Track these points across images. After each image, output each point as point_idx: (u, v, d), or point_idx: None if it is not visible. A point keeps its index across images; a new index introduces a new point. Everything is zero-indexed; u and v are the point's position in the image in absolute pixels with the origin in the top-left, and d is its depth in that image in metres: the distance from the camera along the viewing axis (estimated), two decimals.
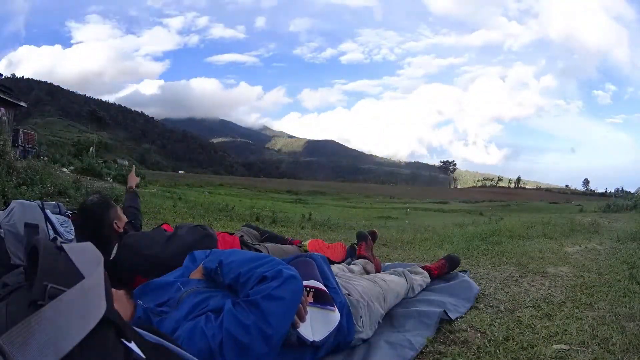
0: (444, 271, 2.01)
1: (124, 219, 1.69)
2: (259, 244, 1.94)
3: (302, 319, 1.00)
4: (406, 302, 1.62)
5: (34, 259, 0.52)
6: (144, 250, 1.53)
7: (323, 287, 1.18)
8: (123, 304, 0.96)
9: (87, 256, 0.54)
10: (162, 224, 1.93)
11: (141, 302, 0.99)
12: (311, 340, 1.03)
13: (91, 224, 1.59)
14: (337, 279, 1.35)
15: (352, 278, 1.54)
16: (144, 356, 0.55)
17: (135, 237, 1.61)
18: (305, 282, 1.10)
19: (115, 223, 1.63)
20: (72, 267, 0.51)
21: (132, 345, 0.55)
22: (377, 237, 2.48)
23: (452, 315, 1.47)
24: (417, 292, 1.74)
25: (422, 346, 1.23)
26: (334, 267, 1.62)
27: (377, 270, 2.00)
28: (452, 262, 2.06)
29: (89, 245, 0.57)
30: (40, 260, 0.48)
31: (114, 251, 1.53)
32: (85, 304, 0.45)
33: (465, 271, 2.14)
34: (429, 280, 1.89)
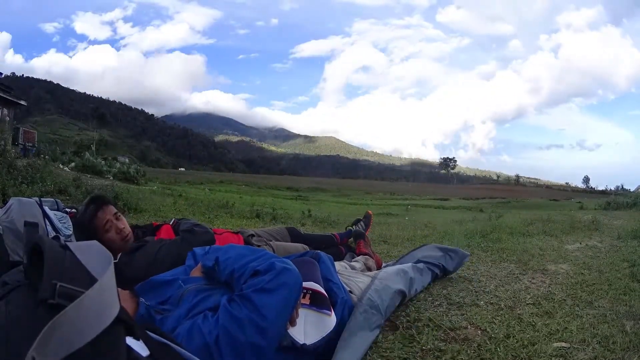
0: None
1: (121, 221, 1.60)
2: (264, 244, 1.89)
3: (292, 323, 0.97)
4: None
5: (35, 257, 0.51)
6: (134, 273, 1.40)
7: (322, 290, 1.14)
8: (126, 303, 0.96)
9: (95, 255, 0.53)
10: (161, 225, 1.85)
11: (144, 300, 0.98)
12: (301, 343, 0.99)
13: (82, 227, 1.54)
14: (339, 277, 1.35)
15: (353, 275, 1.54)
16: (143, 355, 0.54)
17: (126, 259, 1.49)
18: (303, 284, 1.09)
19: (108, 222, 1.55)
20: (80, 266, 0.50)
21: (139, 344, 0.55)
22: (372, 218, 2.69)
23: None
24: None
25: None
26: (336, 265, 1.61)
27: (379, 267, 2.00)
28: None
29: (95, 243, 0.56)
30: (46, 258, 0.47)
31: (117, 259, 1.47)
32: (101, 304, 0.45)
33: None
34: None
